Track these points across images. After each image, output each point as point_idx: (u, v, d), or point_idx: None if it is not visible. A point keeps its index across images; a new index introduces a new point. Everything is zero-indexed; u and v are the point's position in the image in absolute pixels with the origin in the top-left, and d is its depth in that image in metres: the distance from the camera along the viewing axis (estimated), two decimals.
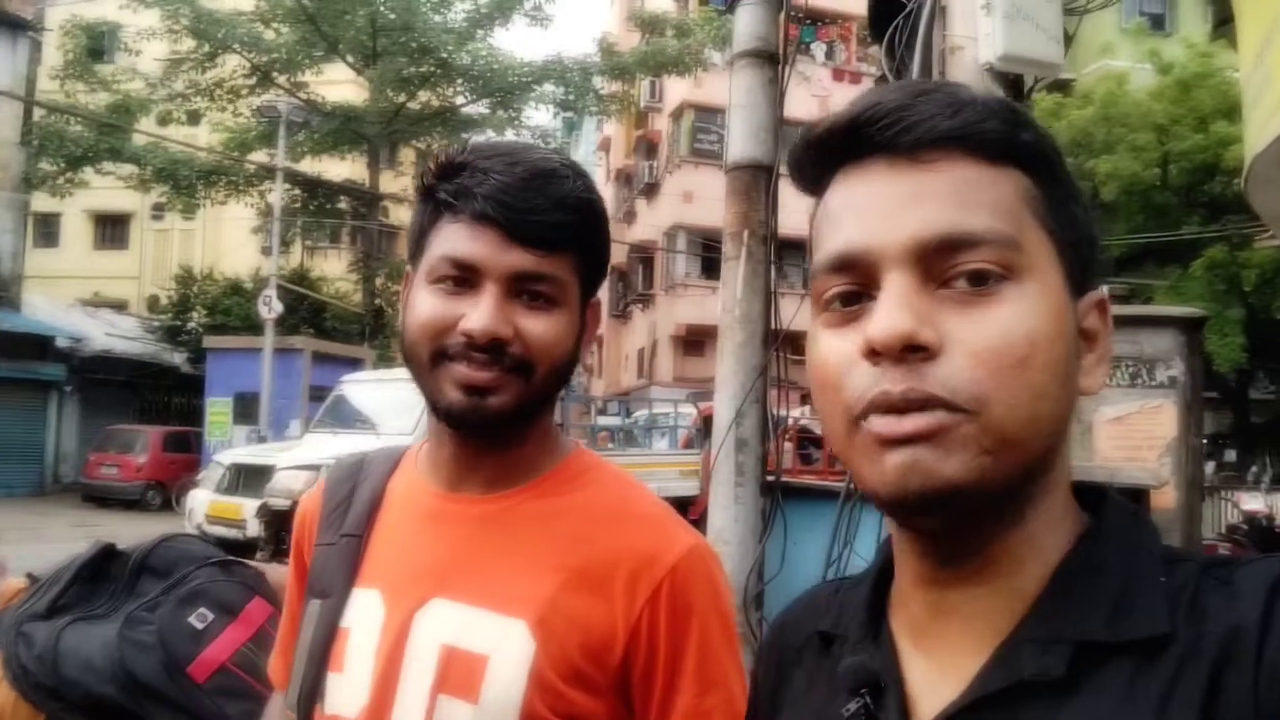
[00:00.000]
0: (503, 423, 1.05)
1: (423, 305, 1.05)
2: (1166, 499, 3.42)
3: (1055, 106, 19.24)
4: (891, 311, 0.63)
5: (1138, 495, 3.17)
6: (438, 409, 1.06)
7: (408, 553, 1.11)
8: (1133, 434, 3.54)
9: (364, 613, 1.09)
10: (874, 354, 0.64)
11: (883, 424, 0.64)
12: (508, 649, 1.02)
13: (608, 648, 1.03)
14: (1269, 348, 21.43)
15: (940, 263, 0.65)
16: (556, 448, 1.16)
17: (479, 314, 1.01)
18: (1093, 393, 0.71)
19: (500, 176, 1.03)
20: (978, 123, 0.67)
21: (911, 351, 0.63)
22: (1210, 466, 15.56)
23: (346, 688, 1.07)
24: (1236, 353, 18.05)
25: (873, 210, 0.67)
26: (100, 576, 1.65)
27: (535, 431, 1.12)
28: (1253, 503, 9.68)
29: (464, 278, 1.03)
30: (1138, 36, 21.26)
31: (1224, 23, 4.82)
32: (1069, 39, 3.06)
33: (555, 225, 1.04)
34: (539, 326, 1.04)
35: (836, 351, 0.67)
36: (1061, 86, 19.00)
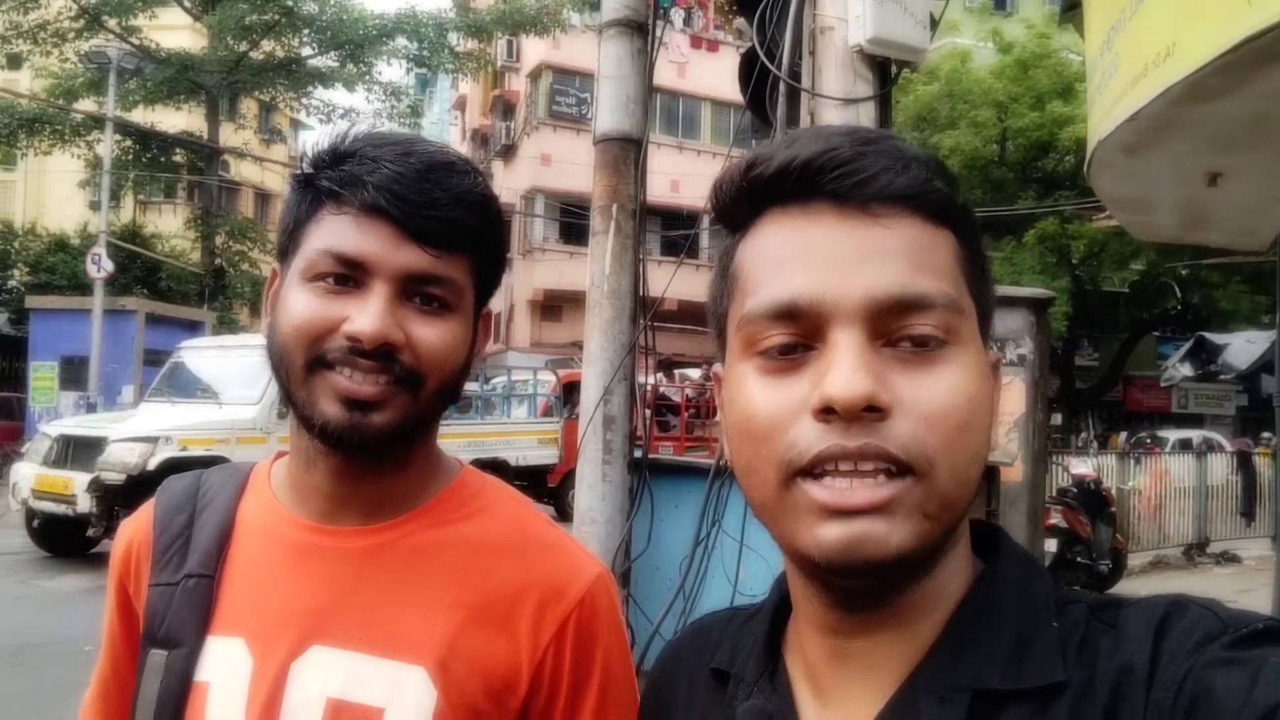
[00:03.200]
0: (385, 443, 0.93)
1: (297, 305, 0.92)
2: (1014, 473, 3.57)
3: (903, 82, 19.83)
4: (852, 372, 0.62)
5: (990, 472, 3.30)
6: (311, 425, 0.92)
7: (275, 594, 0.96)
8: None
9: (225, 665, 0.95)
10: (827, 412, 0.62)
11: (828, 494, 0.62)
12: (405, 699, 0.92)
13: (511, 688, 0.95)
14: (1092, 317, 22.88)
15: (890, 323, 0.64)
16: (442, 469, 1.05)
17: (367, 316, 0.89)
18: (994, 450, 0.73)
19: (394, 166, 0.91)
20: (926, 182, 0.67)
21: (868, 411, 0.62)
22: None
23: None
24: (1060, 323, 19.17)
25: (825, 262, 0.66)
26: None
27: (420, 452, 1.01)
28: (1081, 467, 10.28)
29: (348, 275, 0.91)
30: (981, 15, 22.13)
31: (1072, 7, 5.07)
32: (934, 23, 3.11)
33: (454, 222, 0.93)
34: (432, 334, 0.93)
35: (775, 402, 0.65)
36: (910, 65, 19.59)
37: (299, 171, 0.98)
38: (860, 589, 0.66)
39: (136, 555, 1.04)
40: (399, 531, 0.99)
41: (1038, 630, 0.65)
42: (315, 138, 1.01)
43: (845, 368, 0.62)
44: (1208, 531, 12.98)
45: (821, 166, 0.66)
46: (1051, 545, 8.39)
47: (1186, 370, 25.22)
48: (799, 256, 0.66)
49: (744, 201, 0.71)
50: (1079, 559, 8.91)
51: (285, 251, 0.97)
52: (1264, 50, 2.72)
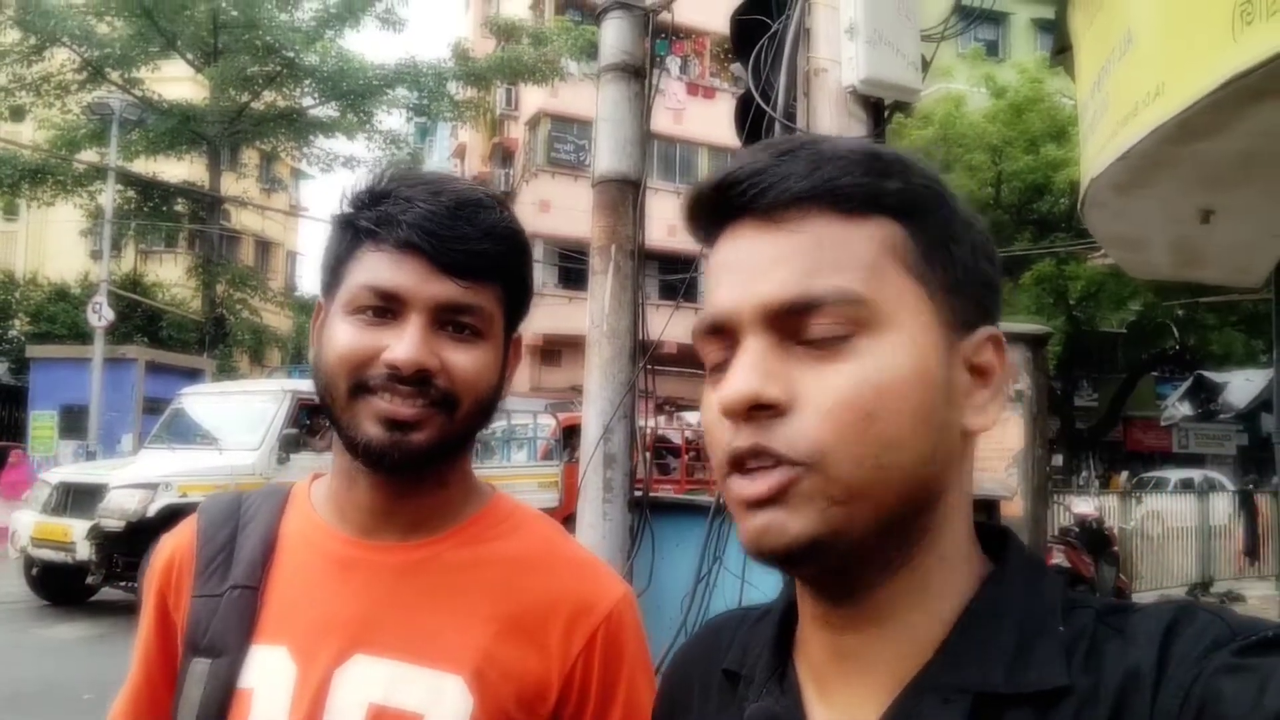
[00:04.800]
0: (424, 460, 0.99)
1: (341, 336, 0.99)
2: (1015, 508, 3.57)
3: (898, 126, 20.03)
4: (739, 373, 0.65)
5: (991, 505, 3.30)
6: (354, 446, 0.99)
7: (318, 605, 1.02)
8: (983, 446, 3.64)
9: (269, 672, 1.00)
10: (728, 414, 0.65)
11: (738, 485, 0.66)
12: (444, 706, 0.97)
13: (542, 697, 1.01)
14: (1090, 357, 22.92)
15: (794, 323, 0.66)
16: (477, 491, 1.12)
17: (404, 344, 0.96)
18: (986, 428, 0.71)
19: (425, 204, 0.99)
20: (834, 179, 0.67)
21: (760, 410, 0.64)
22: None
23: None
24: (1053, 361, 19.19)
25: (737, 274, 0.69)
26: None
27: (456, 473, 1.08)
28: (1083, 506, 10.26)
29: (386, 308, 0.98)
30: (974, 61, 22.39)
31: (1062, 50, 5.16)
32: (925, 65, 3.17)
33: (483, 255, 1.00)
34: (464, 359, 1.00)
35: (709, 409, 0.69)
36: (903, 107, 19.82)
37: (339, 212, 1.05)
38: (818, 580, 0.69)
39: (179, 568, 1.09)
40: (438, 548, 1.05)
41: (1043, 634, 0.65)
42: (342, 192, 1.07)
43: (734, 372, 0.66)
44: (1211, 571, 12.90)
45: (734, 183, 0.69)
46: None
47: (1186, 409, 25.17)
48: (724, 273, 0.70)
49: (699, 224, 0.74)
50: None
51: (329, 287, 1.05)
52: (1251, 88, 2.76)
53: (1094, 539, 9.32)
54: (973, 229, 0.73)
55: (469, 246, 0.99)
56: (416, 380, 0.97)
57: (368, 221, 1.01)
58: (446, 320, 1.00)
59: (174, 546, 1.12)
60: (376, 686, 0.98)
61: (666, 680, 0.91)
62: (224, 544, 1.08)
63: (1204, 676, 0.58)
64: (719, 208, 0.71)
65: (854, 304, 0.65)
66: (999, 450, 3.61)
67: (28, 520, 10.16)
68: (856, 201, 0.67)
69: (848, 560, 0.66)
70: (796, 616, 0.77)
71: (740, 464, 0.65)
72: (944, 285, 0.69)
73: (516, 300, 1.07)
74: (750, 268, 0.67)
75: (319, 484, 1.12)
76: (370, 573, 1.03)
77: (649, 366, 3.65)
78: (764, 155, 0.69)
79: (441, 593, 1.02)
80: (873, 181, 0.68)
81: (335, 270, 1.04)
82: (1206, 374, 23.33)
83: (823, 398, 0.64)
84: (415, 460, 0.98)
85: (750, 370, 0.65)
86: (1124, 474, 21.88)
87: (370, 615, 1.01)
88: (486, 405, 1.04)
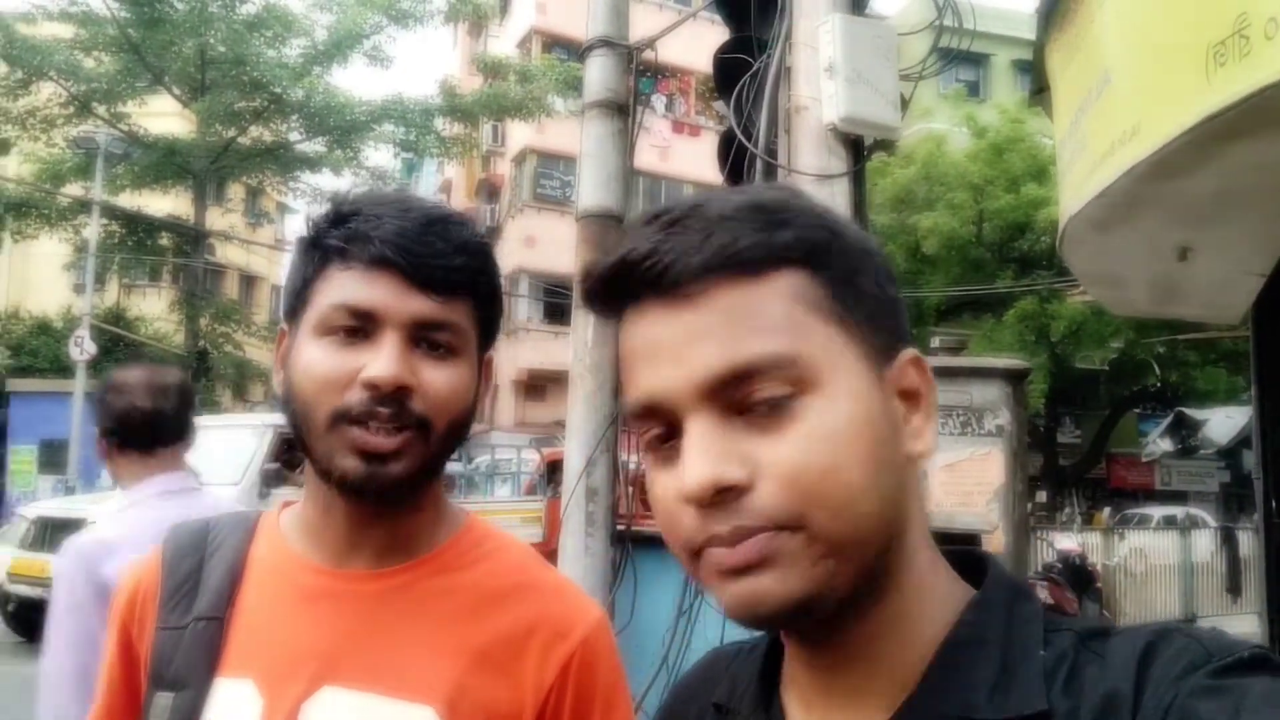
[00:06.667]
0: (401, 490, 0.97)
1: (314, 360, 0.96)
2: (996, 542, 3.58)
3: (881, 165, 20.27)
4: (694, 460, 0.64)
5: (971, 539, 3.30)
6: (329, 476, 0.96)
7: (285, 636, 0.99)
8: (964, 480, 3.69)
9: (235, 705, 0.97)
10: (692, 502, 0.64)
11: (719, 556, 0.64)
12: None
13: None
14: (1072, 394, 23.03)
15: (733, 394, 0.65)
16: (450, 517, 1.10)
17: (381, 361, 0.94)
18: (926, 454, 0.71)
19: (396, 220, 0.97)
20: (729, 245, 0.66)
21: (725, 492, 0.63)
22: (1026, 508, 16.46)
23: None
24: (1036, 398, 19.28)
25: (655, 356, 0.67)
26: None
27: (429, 497, 1.06)
28: (1066, 542, 10.28)
29: (359, 327, 0.96)
30: (955, 101, 22.67)
31: (1040, 90, 5.24)
32: (905, 103, 3.21)
33: (457, 269, 0.98)
34: (440, 377, 0.98)
35: (667, 495, 0.68)
36: (886, 146, 20.03)
37: (304, 235, 1.02)
38: (801, 631, 0.69)
39: (142, 599, 1.06)
40: (409, 576, 1.03)
41: (1025, 658, 0.66)
42: (306, 216, 1.05)
43: (690, 460, 0.64)
44: (1195, 607, 12.91)
45: (632, 265, 0.67)
46: None
47: (1167, 445, 25.31)
48: (641, 355, 0.68)
49: (604, 304, 0.73)
50: None
51: (294, 311, 1.01)
52: (1225, 128, 2.80)
53: (1077, 575, 9.33)
54: (869, 254, 0.72)
55: (443, 261, 0.97)
56: (395, 399, 0.94)
57: (336, 240, 0.98)
58: (421, 338, 0.97)
59: (138, 577, 1.09)
60: (347, 719, 0.96)
61: (664, 709, 0.90)
62: (189, 574, 1.05)
63: (1181, 698, 0.58)
64: (620, 290, 0.69)
65: (785, 364, 0.64)
66: (980, 485, 3.62)
67: (4, 556, 10.03)
68: (756, 262, 0.66)
69: (839, 610, 0.66)
70: (784, 648, 0.77)
71: (718, 544, 0.64)
72: (858, 321, 0.68)
73: (489, 317, 1.05)
74: (671, 348, 0.66)
75: (288, 512, 1.09)
76: (340, 602, 1.01)
77: None
78: (652, 230, 0.68)
79: (413, 622, 1.00)
80: (766, 237, 0.66)
81: (301, 294, 1.00)
82: (1187, 411, 23.46)
83: (781, 466, 0.63)
84: (392, 490, 0.97)
85: (704, 456, 0.63)
86: (1106, 510, 21.90)
87: (339, 646, 0.98)
88: (461, 427, 1.02)
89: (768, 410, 0.64)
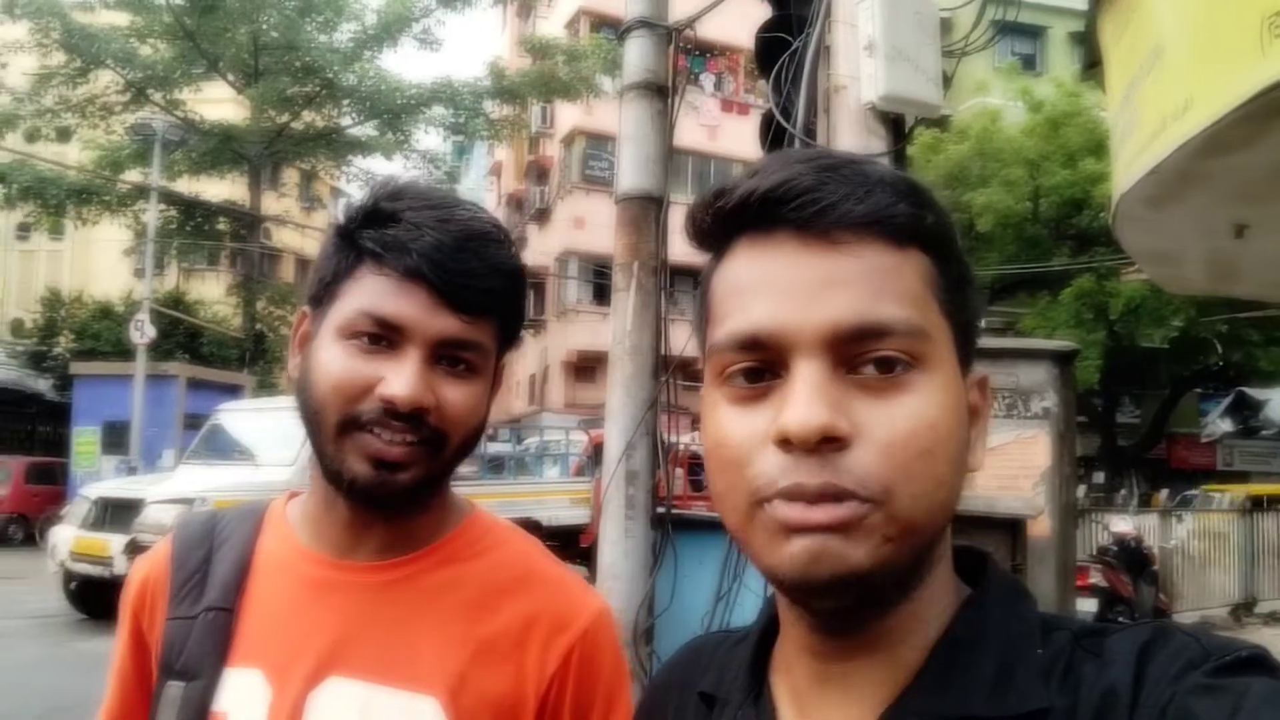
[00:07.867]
0: (408, 497, 0.98)
1: (333, 362, 0.96)
2: (1042, 527, 3.52)
3: (934, 141, 19.97)
4: (808, 403, 0.62)
5: (1015, 525, 3.26)
6: (338, 480, 0.97)
7: (292, 627, 1.01)
8: (1009, 464, 3.63)
9: (243, 695, 0.99)
10: (787, 443, 0.63)
11: (791, 511, 0.63)
12: None
13: (518, 717, 1.00)
14: (1131, 373, 22.57)
15: (851, 350, 0.64)
16: (454, 510, 1.10)
17: (402, 380, 0.94)
18: (976, 469, 0.71)
19: (434, 233, 0.96)
20: (889, 206, 0.66)
21: (827, 442, 0.62)
22: (1081, 489, 16.22)
23: None
24: (1091, 374, 18.92)
25: (785, 292, 0.66)
26: None
27: (436, 497, 1.06)
28: (1122, 525, 10.07)
29: (383, 336, 0.95)
30: (1010, 75, 22.22)
31: (1093, 65, 5.11)
32: (947, 80, 3.15)
33: (489, 292, 0.98)
34: (458, 396, 0.98)
35: (742, 431, 0.66)
36: (939, 122, 19.74)
37: (341, 223, 1.02)
38: (836, 610, 0.66)
39: (152, 590, 1.08)
40: (413, 568, 1.04)
41: (1022, 657, 0.66)
42: (346, 203, 1.05)
43: (802, 400, 0.62)
44: (1255, 590, 12.64)
45: (781, 196, 0.66)
46: (1092, 605, 8.20)
47: (1227, 425, 24.75)
48: (762, 287, 0.67)
49: (714, 229, 0.72)
50: (1121, 618, 8.69)
51: (320, 300, 1.01)
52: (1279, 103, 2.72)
53: (1132, 558, 9.16)
54: (971, 270, 0.73)
55: (475, 283, 0.97)
56: (410, 417, 0.94)
57: (372, 243, 0.97)
58: (443, 355, 0.97)
59: (148, 569, 1.10)
60: (351, 709, 0.97)
61: (643, 704, 0.91)
62: (198, 565, 1.07)
63: (1178, 697, 0.58)
64: (748, 219, 0.68)
65: (917, 335, 0.65)
66: (1025, 469, 3.56)
67: (67, 535, 10.32)
68: (904, 232, 0.67)
69: (873, 595, 0.65)
70: (775, 636, 0.77)
71: (795, 498, 0.63)
72: (959, 323, 0.69)
73: (510, 332, 1.06)
74: (801, 288, 0.65)
75: (295, 503, 1.11)
76: (345, 594, 1.02)
77: (675, 379, 3.65)
78: (803, 169, 0.67)
79: (417, 614, 1.01)
80: (918, 213, 0.67)
81: (330, 286, 1.00)
82: (1248, 391, 22.90)
83: (885, 433, 0.63)
84: (400, 497, 0.97)
85: (818, 398, 0.62)
86: (1164, 492, 21.49)
87: (345, 637, 1.00)
88: (473, 439, 1.02)
89: (878, 373, 0.64)
